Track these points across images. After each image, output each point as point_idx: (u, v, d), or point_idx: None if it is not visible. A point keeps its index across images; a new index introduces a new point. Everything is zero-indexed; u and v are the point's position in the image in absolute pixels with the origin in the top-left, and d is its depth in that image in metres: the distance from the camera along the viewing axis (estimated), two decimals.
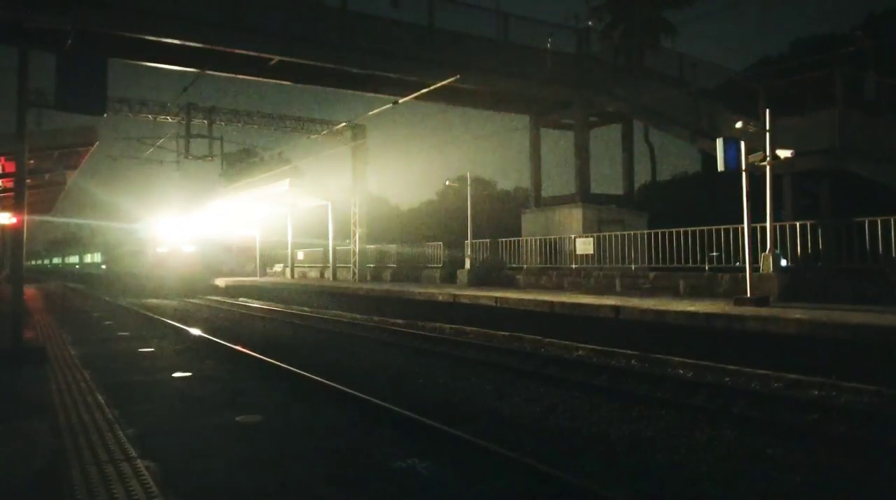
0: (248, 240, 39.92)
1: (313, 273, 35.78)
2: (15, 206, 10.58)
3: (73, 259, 72.70)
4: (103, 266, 50.44)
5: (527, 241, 22.34)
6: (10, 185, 13.62)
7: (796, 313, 10.55)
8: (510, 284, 21.35)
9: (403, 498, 4.87)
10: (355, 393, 7.95)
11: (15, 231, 10.53)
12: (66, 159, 15.22)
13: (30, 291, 32.70)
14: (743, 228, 13.38)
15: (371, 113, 24.15)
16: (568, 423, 7.24)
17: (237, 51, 17.77)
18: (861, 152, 15.04)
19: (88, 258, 60.66)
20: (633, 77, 21.27)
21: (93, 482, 4.66)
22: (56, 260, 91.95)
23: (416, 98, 21.32)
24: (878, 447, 6.33)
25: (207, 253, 35.48)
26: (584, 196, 22.47)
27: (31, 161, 11.86)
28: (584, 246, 19.60)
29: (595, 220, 21.83)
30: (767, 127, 13.38)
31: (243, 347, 12.37)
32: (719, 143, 13.18)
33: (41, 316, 18.99)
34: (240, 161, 56.33)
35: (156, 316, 19.72)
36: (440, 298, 17.79)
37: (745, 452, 6.21)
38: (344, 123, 29.46)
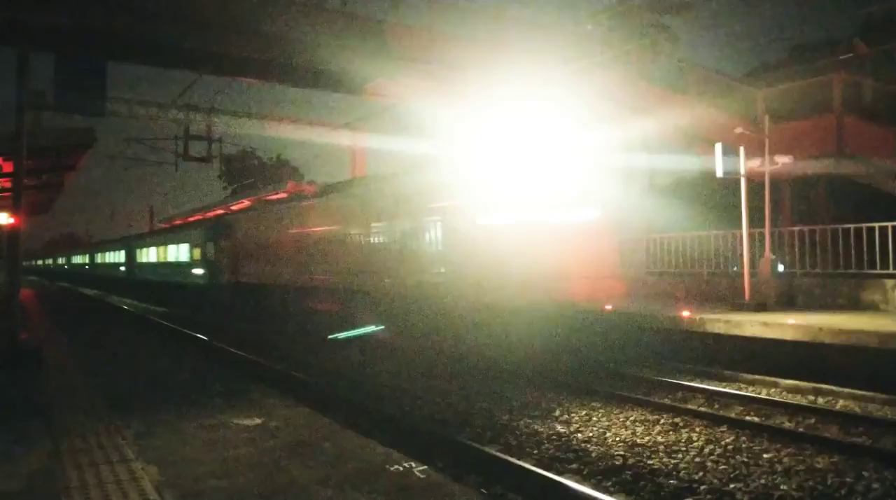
0: None
1: None
2: (13, 206, 10.57)
3: (113, 257, 44.79)
4: (200, 272, 25.60)
5: None
6: (7, 185, 13.59)
7: (793, 319, 10.55)
8: None
9: None
10: None
11: (12, 232, 10.51)
12: (63, 160, 15.16)
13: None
14: (741, 234, 13.38)
15: (369, 115, 24.17)
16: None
17: (236, 53, 17.75)
18: (859, 158, 15.06)
19: (151, 255, 33.98)
20: (632, 82, 21.26)
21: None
22: (78, 259, 63.80)
23: (413, 99, 21.34)
24: (874, 450, 6.32)
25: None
26: None
27: (29, 161, 11.83)
28: None
29: None
30: (765, 133, 13.41)
31: None
32: (718, 148, 13.19)
33: None
34: (239, 163, 56.39)
35: None
36: None
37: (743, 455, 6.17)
38: (343, 125, 29.47)
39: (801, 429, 7.31)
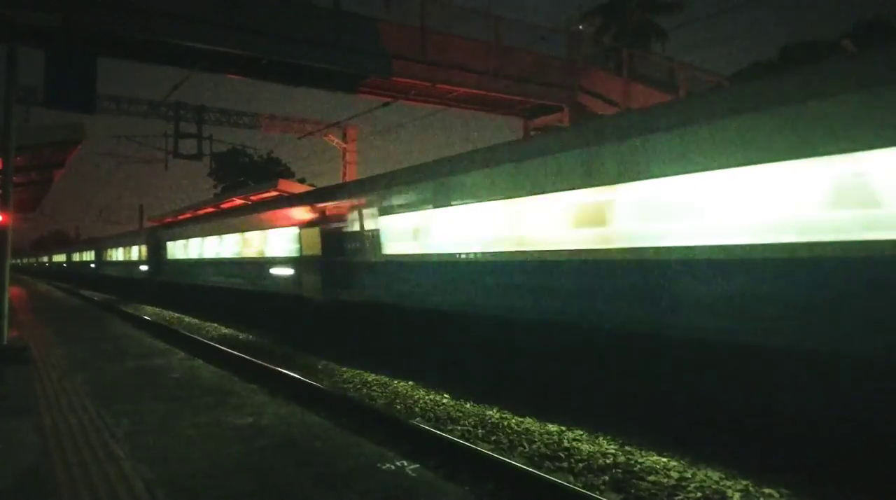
0: None
1: None
2: (1, 204, 10.48)
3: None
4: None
5: None
6: None
7: None
8: None
9: None
10: None
11: (0, 230, 10.41)
12: (53, 157, 15.06)
13: None
14: None
15: (362, 114, 24.17)
16: None
17: (228, 50, 17.68)
18: None
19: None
20: (624, 81, 21.34)
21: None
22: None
23: (406, 99, 21.35)
24: None
25: None
26: None
27: (18, 158, 11.74)
28: None
29: None
30: None
31: None
32: None
33: None
34: (229, 161, 56.19)
35: None
36: None
37: None
38: (335, 123, 29.42)
39: None
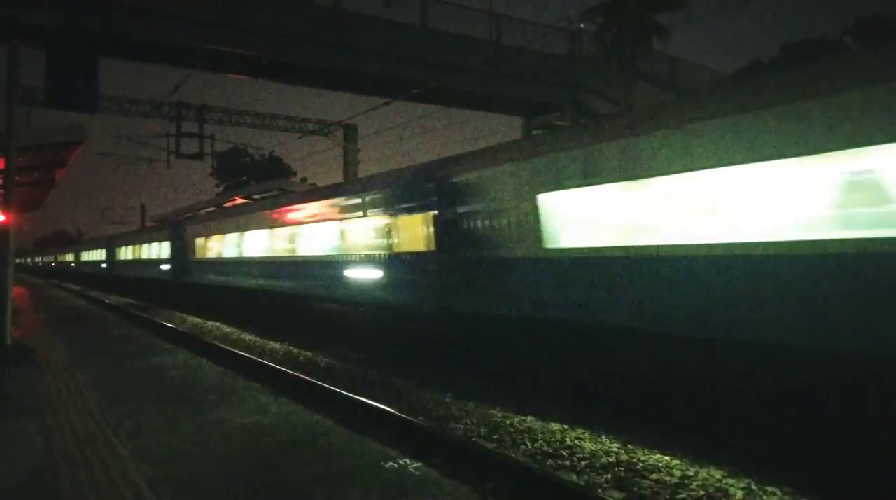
0: None
1: None
2: (4, 204, 10.50)
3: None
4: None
5: None
6: None
7: None
8: None
9: None
10: None
11: (3, 229, 10.44)
12: (54, 157, 15.07)
13: None
14: None
15: (362, 113, 24.09)
16: None
17: (229, 50, 17.69)
18: None
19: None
20: (625, 79, 21.32)
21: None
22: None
23: (407, 98, 21.32)
24: None
25: None
26: None
27: (20, 158, 11.75)
28: None
29: None
30: None
31: None
32: None
33: None
34: (230, 160, 56.20)
35: None
36: None
37: None
38: (336, 123, 29.42)
39: None
